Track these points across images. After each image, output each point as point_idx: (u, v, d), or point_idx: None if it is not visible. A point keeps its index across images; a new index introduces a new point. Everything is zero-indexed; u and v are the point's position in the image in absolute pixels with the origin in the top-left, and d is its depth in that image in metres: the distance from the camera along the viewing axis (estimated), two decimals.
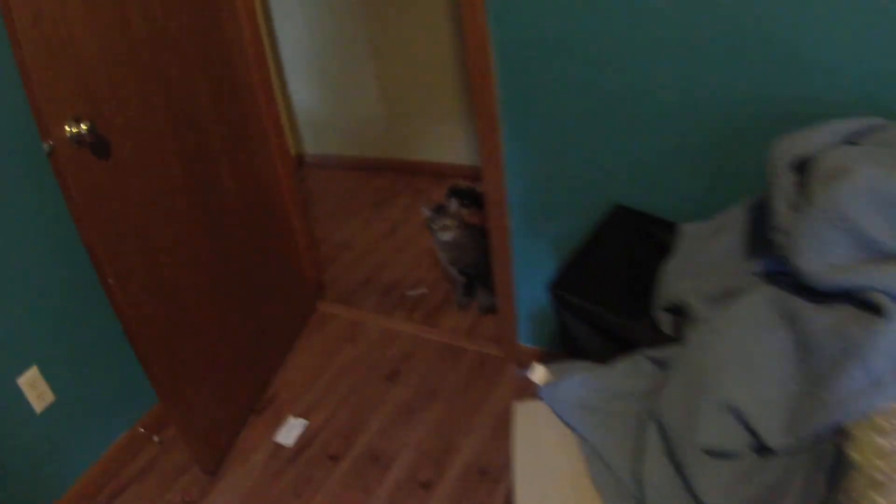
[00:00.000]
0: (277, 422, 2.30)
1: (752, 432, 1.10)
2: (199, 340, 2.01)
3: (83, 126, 1.49)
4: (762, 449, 1.10)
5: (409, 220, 3.61)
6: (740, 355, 1.19)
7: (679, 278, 1.60)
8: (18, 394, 1.78)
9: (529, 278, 2.24)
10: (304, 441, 2.21)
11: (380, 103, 3.97)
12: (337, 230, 3.57)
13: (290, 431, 2.22)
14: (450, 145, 3.93)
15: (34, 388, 1.81)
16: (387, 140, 4.11)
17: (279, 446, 2.20)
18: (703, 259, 1.59)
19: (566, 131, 1.87)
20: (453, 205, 2.55)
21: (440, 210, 2.55)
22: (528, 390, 2.32)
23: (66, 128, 1.47)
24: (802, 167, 1.27)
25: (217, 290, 2.10)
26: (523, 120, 1.91)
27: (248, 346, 2.33)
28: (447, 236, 2.53)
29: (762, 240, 1.41)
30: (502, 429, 2.17)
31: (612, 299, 1.72)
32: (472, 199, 3.52)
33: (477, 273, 2.70)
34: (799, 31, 1.43)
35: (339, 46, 3.91)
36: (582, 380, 1.47)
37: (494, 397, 2.33)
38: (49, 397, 1.87)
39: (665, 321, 1.71)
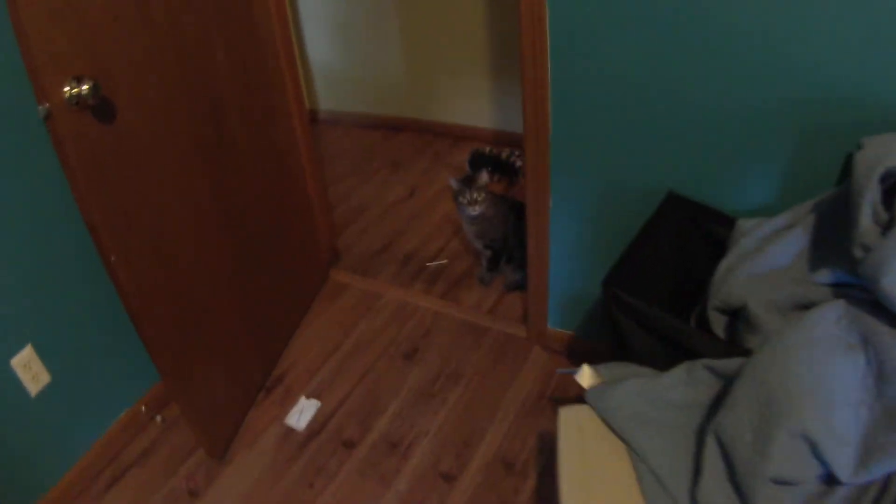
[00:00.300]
0: (288, 402, 2.16)
1: (825, 463, 1.05)
2: (205, 314, 1.86)
3: (85, 87, 1.31)
4: (830, 479, 1.06)
5: (428, 184, 3.42)
6: (816, 381, 1.09)
7: (737, 279, 1.47)
8: (12, 377, 1.63)
9: (565, 259, 2.07)
10: (317, 425, 2.07)
11: (402, 59, 3.75)
12: (352, 193, 3.39)
13: (303, 414, 2.08)
14: (473, 107, 3.72)
15: (28, 369, 1.66)
16: (407, 99, 3.89)
17: (290, 430, 2.06)
18: (764, 261, 1.46)
19: (615, 108, 1.68)
20: (483, 177, 2.37)
21: (468, 181, 2.37)
22: (555, 377, 2.18)
23: (66, 88, 1.29)
24: (890, 180, 1.19)
25: (225, 258, 1.94)
26: (572, 96, 1.72)
27: (258, 319, 2.18)
28: (476, 210, 2.35)
29: (834, 248, 1.30)
30: (528, 417, 2.03)
31: (667, 299, 1.58)
32: (498, 167, 3.33)
33: (503, 247, 2.52)
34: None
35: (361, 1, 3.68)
36: (634, 386, 1.34)
37: (519, 382, 2.19)
38: (44, 378, 1.72)
39: (717, 321, 1.58)
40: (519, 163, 3.29)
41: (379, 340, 2.41)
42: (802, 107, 1.46)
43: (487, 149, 3.39)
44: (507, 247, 2.52)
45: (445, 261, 2.80)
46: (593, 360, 2.08)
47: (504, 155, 3.32)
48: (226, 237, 1.94)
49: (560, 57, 1.67)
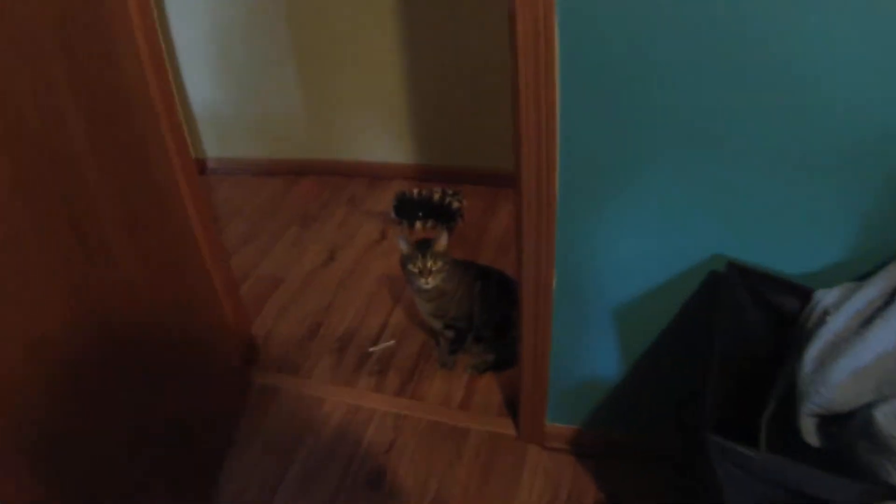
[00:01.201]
0: None
1: None
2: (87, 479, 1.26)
3: None
4: None
5: (349, 240, 2.88)
6: None
7: (838, 376, 1.13)
8: None
9: (571, 346, 1.63)
10: None
11: (299, 92, 3.19)
12: (259, 260, 2.80)
13: None
14: (389, 141, 3.22)
15: None
16: (309, 137, 3.34)
17: None
18: (868, 347, 1.13)
19: (648, 150, 1.25)
20: (442, 240, 1.87)
21: (423, 246, 1.87)
22: (565, 488, 1.72)
23: None
24: None
25: (96, 386, 1.34)
26: (589, 134, 1.27)
27: (166, 467, 1.58)
28: (429, 284, 1.85)
29: None
30: None
31: (729, 402, 1.21)
32: (430, 212, 2.84)
33: (469, 326, 2.03)
34: None
35: (247, 26, 3.08)
36: None
37: (522, 498, 1.71)
38: None
39: (810, 430, 1.19)
40: (456, 204, 2.81)
41: (332, 467, 1.87)
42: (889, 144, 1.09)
43: (415, 190, 2.89)
44: (475, 325, 2.03)
45: (392, 342, 2.28)
46: (607, 453, 1.78)
47: (436, 196, 2.83)
48: (95, 357, 1.34)
49: (573, 76, 1.22)
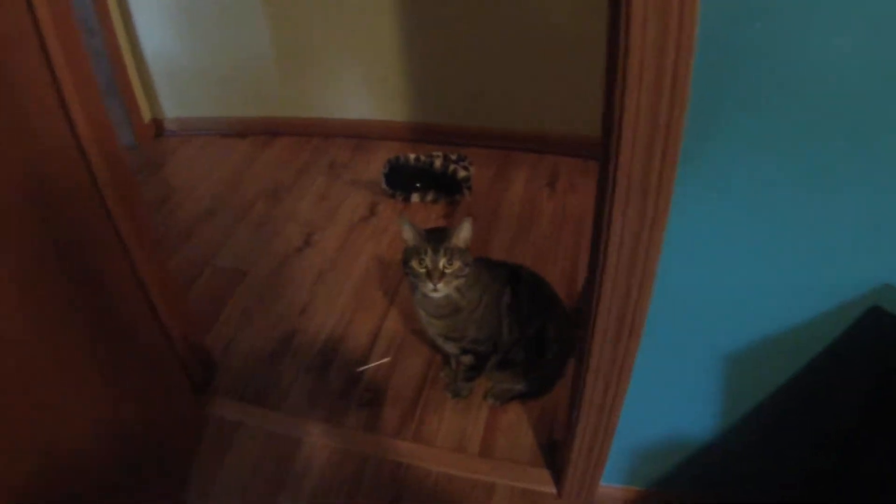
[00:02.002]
0: None
1: None
2: None
3: None
4: None
5: (328, 219, 2.34)
6: None
7: None
8: None
9: (658, 396, 1.13)
10: None
11: (272, 40, 2.60)
12: (220, 246, 2.25)
13: None
14: (376, 95, 2.65)
15: None
16: (284, 92, 2.76)
17: None
18: None
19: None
20: (465, 230, 1.33)
21: (437, 236, 1.33)
22: None
23: None
24: None
25: None
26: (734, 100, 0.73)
27: None
28: (439, 291, 1.33)
29: None
30: None
31: None
32: (431, 182, 2.30)
33: (494, 348, 1.51)
34: None
35: None
36: None
37: None
38: None
39: None
40: (462, 172, 2.27)
41: None
42: None
43: (411, 156, 2.33)
44: (501, 346, 1.51)
45: (386, 359, 1.77)
46: None
47: (437, 163, 2.28)
48: None
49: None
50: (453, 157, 2.32)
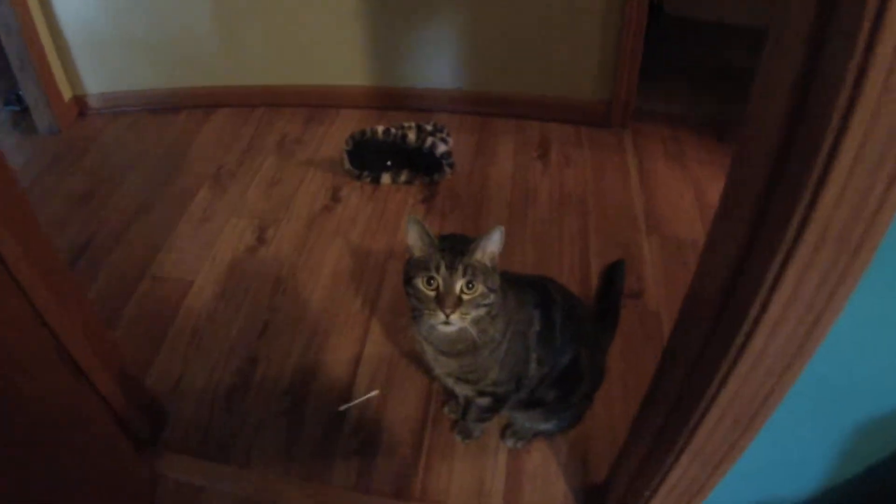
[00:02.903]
0: None
1: None
2: None
3: None
4: None
5: (283, 208, 1.98)
6: None
7: None
8: None
9: (774, 458, 0.84)
10: None
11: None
12: (157, 248, 1.87)
13: None
14: (333, 55, 2.26)
15: None
16: (221, 57, 2.34)
17: None
18: None
19: None
20: (492, 242, 0.99)
21: (452, 248, 0.99)
22: None
23: None
24: None
25: None
26: None
27: None
28: (452, 325, 0.99)
29: None
30: None
31: None
32: (403, 158, 1.96)
33: (518, 386, 1.20)
34: None
35: None
36: None
37: None
38: None
39: None
40: (442, 146, 1.92)
41: None
42: None
43: (379, 128, 1.97)
44: (526, 383, 1.20)
45: (374, 392, 1.44)
46: None
47: (411, 135, 1.93)
48: None
49: None
50: (428, 127, 1.97)
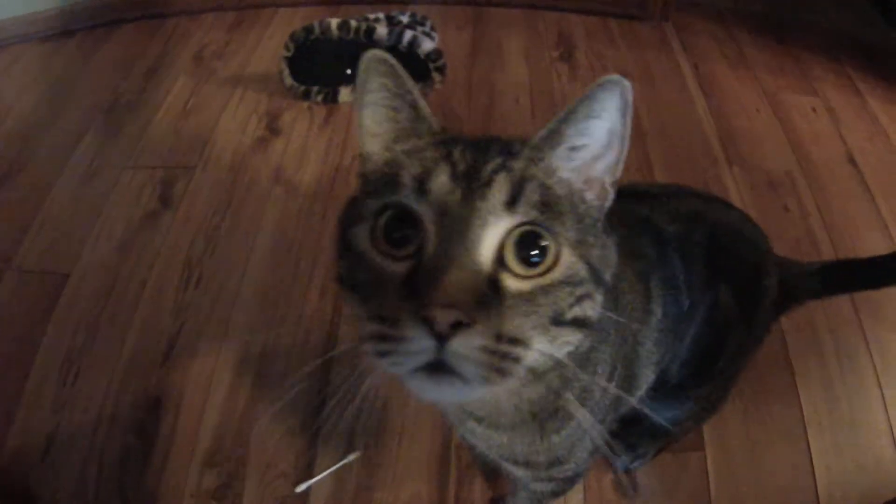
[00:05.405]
0: None
1: None
2: None
3: None
4: None
5: (201, 141, 1.37)
6: None
7: None
8: None
9: None
10: None
11: None
12: (26, 225, 1.26)
13: None
14: None
15: None
16: None
17: None
18: None
19: None
20: (603, 134, 0.41)
21: (476, 143, 0.43)
22: None
23: None
24: None
25: None
26: None
27: None
28: (503, 385, 0.40)
29: None
30: None
31: None
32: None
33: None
34: None
35: None
36: None
37: None
38: None
39: None
40: (429, 43, 1.30)
41: None
42: None
43: (333, 23, 1.34)
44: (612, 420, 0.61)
45: (353, 454, 0.85)
46: None
47: (380, 30, 1.30)
48: None
49: None
50: (404, 18, 1.34)
